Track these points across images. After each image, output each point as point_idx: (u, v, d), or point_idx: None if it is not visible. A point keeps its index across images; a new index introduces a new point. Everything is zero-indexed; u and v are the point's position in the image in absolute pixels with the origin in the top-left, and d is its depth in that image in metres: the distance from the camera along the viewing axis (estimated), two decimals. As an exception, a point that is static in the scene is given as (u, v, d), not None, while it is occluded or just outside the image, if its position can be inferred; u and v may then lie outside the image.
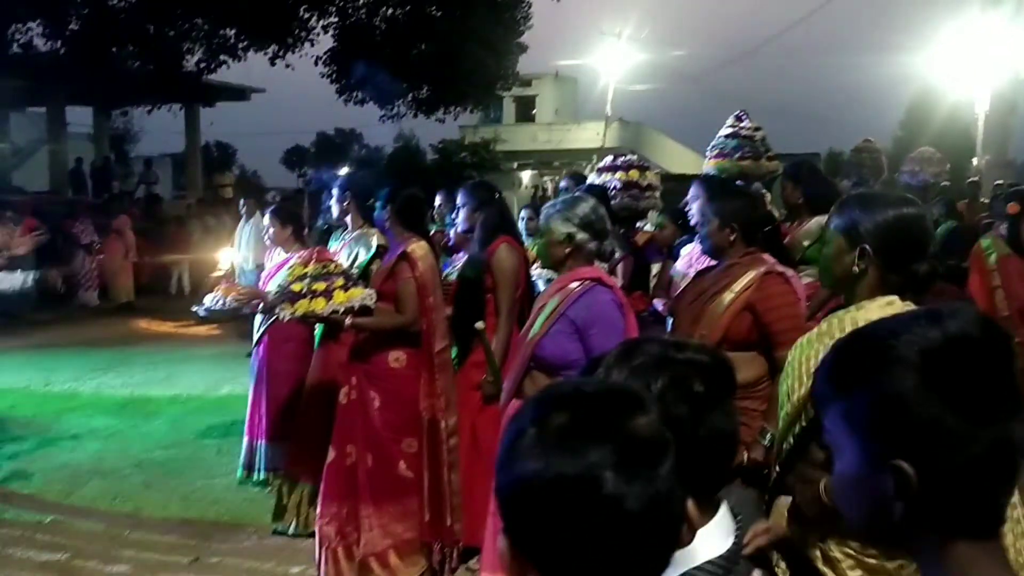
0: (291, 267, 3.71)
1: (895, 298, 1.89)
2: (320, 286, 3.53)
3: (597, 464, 0.84)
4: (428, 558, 3.77)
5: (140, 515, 4.72)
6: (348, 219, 4.54)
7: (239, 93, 22.04)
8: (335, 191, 4.57)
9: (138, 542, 4.36)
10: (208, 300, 4.76)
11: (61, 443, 6.04)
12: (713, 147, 5.33)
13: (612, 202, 4.94)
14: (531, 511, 0.87)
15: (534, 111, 31.74)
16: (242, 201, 10.04)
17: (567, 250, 2.93)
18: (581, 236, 2.92)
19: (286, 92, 25.86)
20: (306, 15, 15.76)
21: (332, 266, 3.70)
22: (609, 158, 5.41)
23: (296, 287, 3.56)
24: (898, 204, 1.94)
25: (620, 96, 28.26)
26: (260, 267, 8.88)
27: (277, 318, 3.67)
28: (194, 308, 4.96)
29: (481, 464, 3.73)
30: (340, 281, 3.59)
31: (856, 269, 1.92)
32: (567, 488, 0.85)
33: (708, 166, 5.32)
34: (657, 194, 5.50)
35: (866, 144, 6.84)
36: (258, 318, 5.06)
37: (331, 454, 3.75)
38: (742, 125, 5.40)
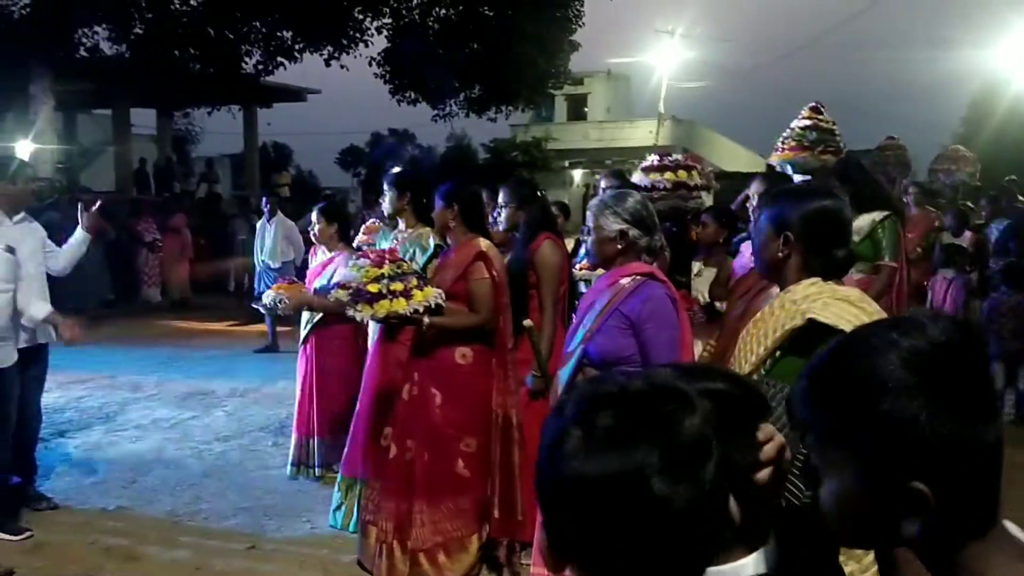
0: (362, 268, 3.67)
1: (818, 280, 2.09)
2: (398, 286, 3.54)
3: (645, 465, 0.83)
4: (487, 554, 3.81)
5: (199, 503, 4.87)
6: (400, 217, 4.63)
7: (295, 94, 22.43)
8: (388, 190, 4.60)
9: (198, 529, 4.52)
10: (267, 298, 4.93)
11: (126, 433, 6.27)
12: (787, 138, 5.21)
13: (661, 203, 4.88)
14: (575, 510, 0.86)
15: (586, 109, 31.62)
16: (264, 199, 10.14)
17: (619, 246, 2.90)
18: (633, 232, 2.90)
19: (340, 93, 26.27)
20: (360, 16, 15.96)
21: (405, 266, 3.72)
22: (654, 158, 5.34)
23: (373, 288, 3.54)
24: (821, 196, 2.16)
25: (673, 93, 28.09)
26: (285, 265, 9.10)
27: (352, 319, 3.68)
28: (254, 305, 5.18)
29: (526, 460, 3.76)
30: (415, 281, 3.62)
31: (781, 254, 2.12)
32: (614, 488, 0.84)
33: (782, 158, 5.19)
34: (705, 194, 5.42)
35: (890, 142, 6.72)
36: (304, 316, 5.19)
37: (392, 450, 3.78)
38: (821, 117, 5.27)
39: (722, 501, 0.92)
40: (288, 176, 22.33)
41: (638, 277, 2.86)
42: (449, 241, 3.97)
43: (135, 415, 6.78)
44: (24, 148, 18.04)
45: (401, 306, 3.50)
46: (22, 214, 4.43)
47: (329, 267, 5.16)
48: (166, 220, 14.13)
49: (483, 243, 3.77)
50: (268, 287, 9.06)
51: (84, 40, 15.43)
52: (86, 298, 10.14)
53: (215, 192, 19.85)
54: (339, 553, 4.15)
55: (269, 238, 9.35)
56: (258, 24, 14.99)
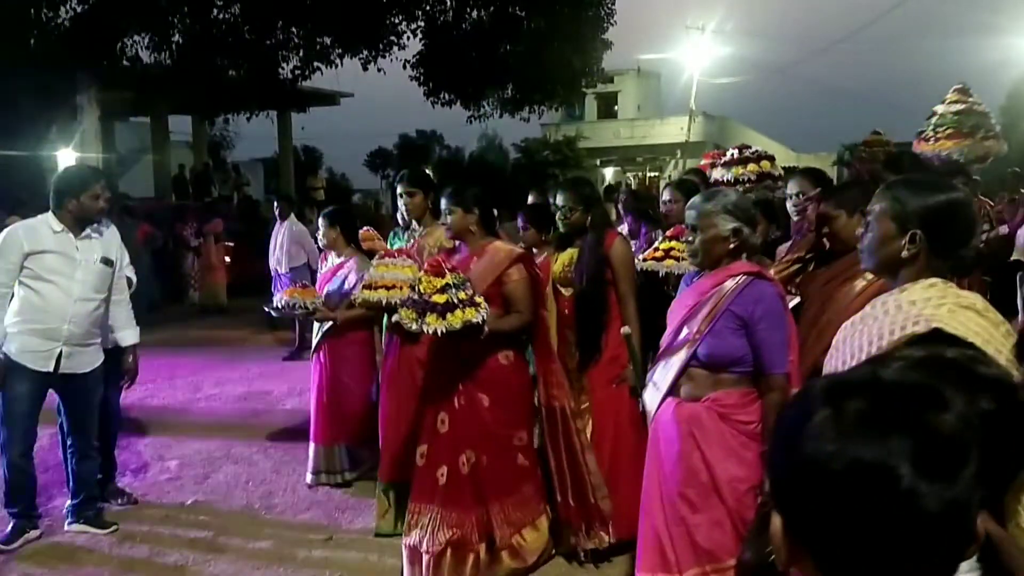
0: (422, 278, 3.58)
1: (938, 280, 1.93)
2: (464, 295, 3.50)
3: (896, 455, 0.79)
4: (565, 538, 3.92)
5: (272, 498, 5.01)
6: (420, 219, 4.67)
7: (329, 98, 22.68)
8: (411, 192, 4.61)
9: (275, 522, 4.65)
10: (278, 300, 5.01)
11: (192, 431, 6.43)
12: (939, 126, 4.95)
13: (748, 194, 4.66)
14: (817, 495, 0.83)
15: (616, 107, 31.62)
16: (275, 204, 10.01)
17: (731, 246, 2.83)
18: (747, 230, 2.83)
19: (371, 96, 26.51)
20: (396, 20, 16.12)
21: (461, 274, 3.65)
22: (733, 151, 5.22)
23: (439, 299, 3.47)
24: (947, 189, 1.96)
25: (704, 90, 27.99)
26: (297, 269, 9.07)
27: (425, 332, 3.51)
28: (266, 308, 5.17)
29: (625, 460, 3.85)
30: (471, 288, 3.58)
31: (906, 254, 1.95)
32: (861, 475, 0.80)
33: (938, 147, 4.92)
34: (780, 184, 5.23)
35: (875, 136, 6.51)
36: (316, 324, 5.21)
37: (441, 471, 3.76)
38: (973, 100, 5.01)
39: (975, 511, 0.83)
40: (322, 180, 22.62)
41: (745, 276, 2.80)
42: (459, 244, 3.99)
43: (198, 414, 6.95)
44: (68, 157, 18.47)
45: (472, 315, 3.46)
46: (89, 230, 4.33)
47: (340, 272, 5.20)
48: (203, 225, 14.38)
49: (514, 247, 3.91)
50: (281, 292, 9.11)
51: (126, 50, 15.75)
52: (138, 303, 10.35)
53: (248, 196, 20.15)
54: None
55: (279, 244, 9.31)
56: (296, 31, 15.19)
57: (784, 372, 2.76)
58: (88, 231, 4.33)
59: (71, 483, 4.56)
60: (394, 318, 3.73)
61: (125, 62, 15.84)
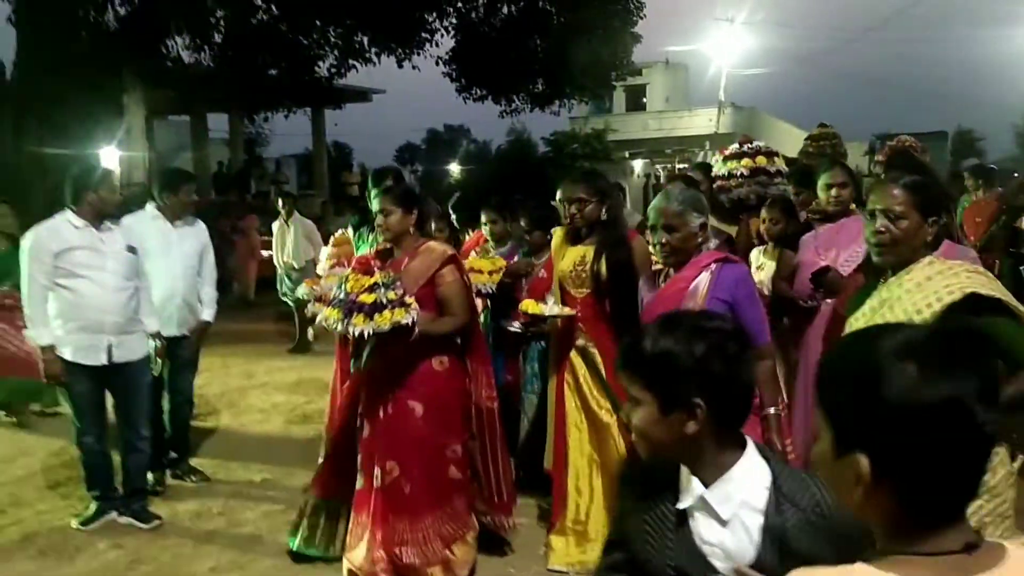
0: (347, 277, 3.45)
1: (932, 257, 2.37)
2: (393, 295, 3.34)
3: (969, 392, 1.00)
4: (480, 532, 3.88)
5: (334, 476, 5.33)
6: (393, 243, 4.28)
7: (362, 95, 23.06)
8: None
9: (338, 497, 4.98)
10: (301, 291, 4.90)
11: (250, 417, 6.80)
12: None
13: (738, 190, 4.91)
14: (910, 432, 1.01)
15: (644, 99, 31.75)
16: (280, 201, 9.89)
17: (699, 239, 3.00)
18: (710, 221, 2.98)
19: (402, 91, 26.87)
20: (428, 17, 16.43)
21: (391, 272, 3.53)
22: (735, 145, 5.21)
23: (367, 298, 3.31)
24: (933, 175, 2.45)
25: (732, 81, 28.09)
26: (308, 264, 8.96)
27: (354, 335, 3.36)
28: (284, 298, 5.31)
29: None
30: (402, 288, 3.44)
31: (930, 238, 2.39)
32: (945, 410, 0.99)
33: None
34: (787, 182, 5.09)
35: (822, 130, 6.38)
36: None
37: (372, 475, 3.67)
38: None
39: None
40: (356, 175, 22.97)
41: (716, 264, 2.96)
42: (394, 246, 3.79)
43: (255, 400, 7.32)
44: (111, 155, 18.98)
45: (402, 316, 3.31)
46: (107, 223, 4.48)
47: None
48: (240, 221, 14.82)
49: (446, 247, 3.81)
50: (290, 287, 9.23)
51: (168, 50, 16.22)
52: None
53: (286, 192, 20.59)
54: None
55: (289, 239, 9.38)
56: (333, 30, 15.56)
57: (768, 341, 3.03)
58: (107, 223, 4.45)
59: (122, 475, 4.66)
60: (318, 319, 3.52)
61: (168, 62, 16.33)
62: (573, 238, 3.94)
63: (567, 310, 3.85)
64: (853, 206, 4.07)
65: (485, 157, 33.79)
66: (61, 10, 13.84)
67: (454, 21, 17.52)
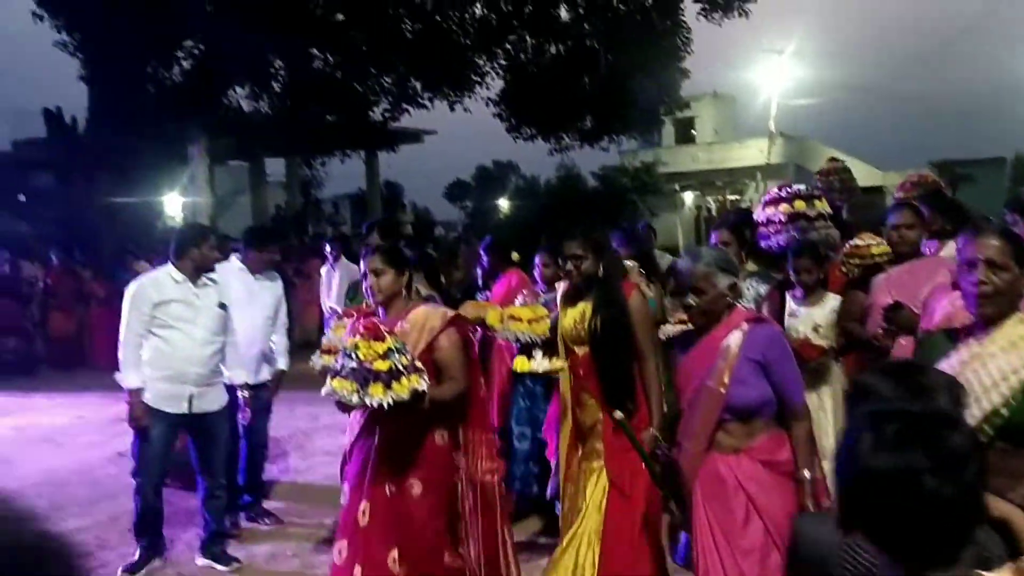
0: (356, 344, 3.11)
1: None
2: (406, 360, 3.11)
3: (919, 462, 1.19)
4: None
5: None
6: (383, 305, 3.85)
7: (414, 136, 23.55)
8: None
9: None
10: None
11: (318, 459, 6.98)
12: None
13: (776, 236, 4.75)
14: (867, 494, 1.23)
15: (693, 131, 31.77)
16: (328, 247, 9.66)
17: (728, 299, 2.91)
18: (738, 281, 2.89)
19: (452, 131, 27.36)
20: (479, 61, 16.81)
21: (399, 336, 3.29)
22: (774, 190, 5.05)
23: (382, 365, 3.05)
24: None
25: (783, 111, 27.93)
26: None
27: (369, 406, 3.09)
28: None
29: (645, 525, 3.60)
30: (410, 352, 3.22)
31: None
32: (896, 478, 1.20)
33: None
34: (830, 225, 4.89)
35: (833, 164, 6.11)
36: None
37: (359, 569, 3.40)
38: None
39: (980, 496, 1.27)
40: (410, 215, 23.38)
41: (748, 324, 2.89)
42: (384, 308, 3.55)
43: (321, 442, 7.49)
44: (174, 202, 19.62)
45: (417, 382, 3.09)
46: (204, 278, 4.68)
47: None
48: (302, 264, 15.13)
49: (445, 309, 3.62)
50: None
51: (229, 100, 16.86)
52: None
53: (343, 234, 21.08)
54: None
55: (335, 283, 9.32)
56: (387, 76, 16.01)
57: (803, 401, 2.92)
58: (204, 279, 4.67)
59: (202, 519, 4.82)
60: (324, 390, 3.19)
61: (228, 111, 16.97)
62: (575, 294, 3.83)
63: (557, 364, 3.78)
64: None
65: (534, 192, 34.00)
66: (130, 67, 14.53)
67: (503, 63, 17.89)
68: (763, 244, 4.83)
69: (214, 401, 4.71)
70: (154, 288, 4.55)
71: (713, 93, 31.30)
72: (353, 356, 3.08)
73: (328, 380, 3.15)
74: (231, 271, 5.19)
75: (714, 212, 27.94)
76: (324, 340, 3.77)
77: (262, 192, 21.40)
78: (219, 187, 25.56)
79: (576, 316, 3.77)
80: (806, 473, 2.79)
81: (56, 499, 5.92)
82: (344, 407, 3.26)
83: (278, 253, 5.40)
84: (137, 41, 13.91)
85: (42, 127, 15.94)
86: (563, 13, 17.97)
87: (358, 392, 3.05)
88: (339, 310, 9.46)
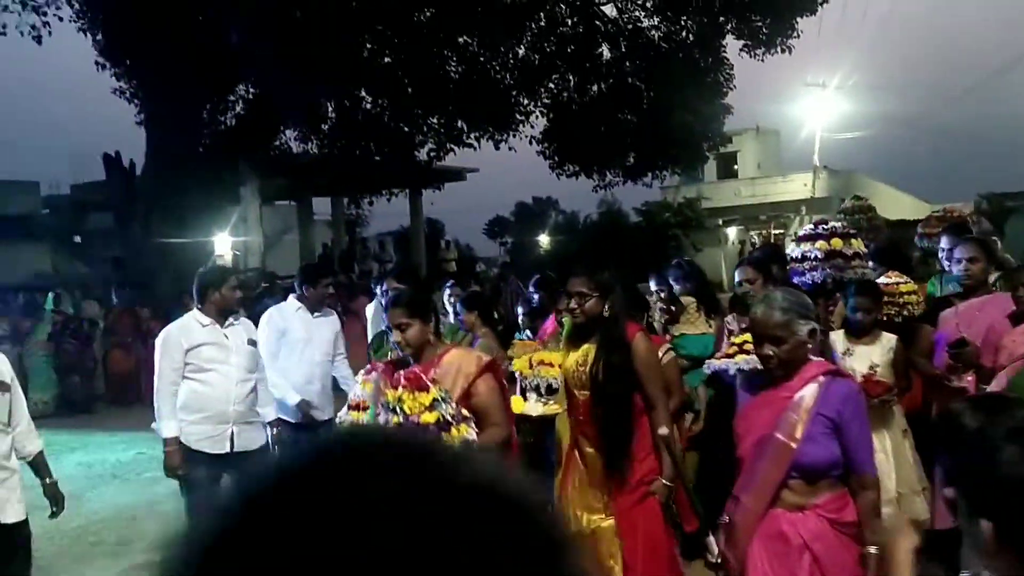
0: (400, 398, 2.99)
1: None
2: (451, 410, 2.97)
3: None
4: None
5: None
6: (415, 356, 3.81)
7: (457, 174, 23.87)
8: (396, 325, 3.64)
9: None
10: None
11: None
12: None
13: (811, 273, 4.72)
14: (1016, 495, 1.28)
15: (736, 166, 31.69)
16: (383, 285, 9.51)
17: (810, 345, 2.72)
18: (818, 327, 2.73)
19: (493, 168, 27.68)
20: (524, 100, 17.06)
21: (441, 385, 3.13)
22: (809, 226, 5.00)
23: (429, 418, 2.92)
24: None
25: (827, 144, 27.81)
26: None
27: None
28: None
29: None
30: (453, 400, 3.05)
31: None
32: None
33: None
34: (868, 263, 4.90)
35: (856, 203, 5.96)
36: None
37: None
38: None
39: None
40: (454, 252, 23.60)
41: (824, 377, 2.71)
42: (409, 353, 3.36)
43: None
44: (224, 241, 20.06)
45: (467, 431, 2.95)
46: (231, 318, 4.70)
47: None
48: (349, 303, 15.33)
49: (480, 354, 3.46)
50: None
51: (280, 141, 17.31)
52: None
53: (387, 272, 21.33)
54: None
55: (383, 323, 9.40)
56: (434, 117, 16.33)
57: (874, 472, 2.74)
58: (231, 319, 4.69)
59: None
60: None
61: (278, 153, 17.42)
62: (579, 334, 3.64)
63: (553, 408, 3.68)
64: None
65: (574, 227, 34.16)
66: (185, 112, 15.02)
67: (546, 101, 18.13)
68: (796, 280, 4.74)
69: (254, 439, 4.72)
70: (183, 334, 4.56)
71: (756, 128, 31.23)
72: (398, 410, 2.94)
73: None
74: (290, 312, 5.31)
75: (758, 246, 27.78)
76: (351, 396, 3.54)
77: (310, 231, 21.79)
78: (267, 226, 26.15)
79: (578, 358, 3.58)
80: (872, 550, 2.51)
81: (124, 534, 6.05)
82: None
83: (331, 287, 5.50)
84: (193, 87, 14.37)
85: (99, 170, 16.48)
86: (605, 51, 18.21)
87: None
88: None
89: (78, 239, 25.85)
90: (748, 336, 3.45)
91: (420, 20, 15.24)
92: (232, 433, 4.58)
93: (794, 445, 2.64)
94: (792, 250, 4.90)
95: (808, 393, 2.66)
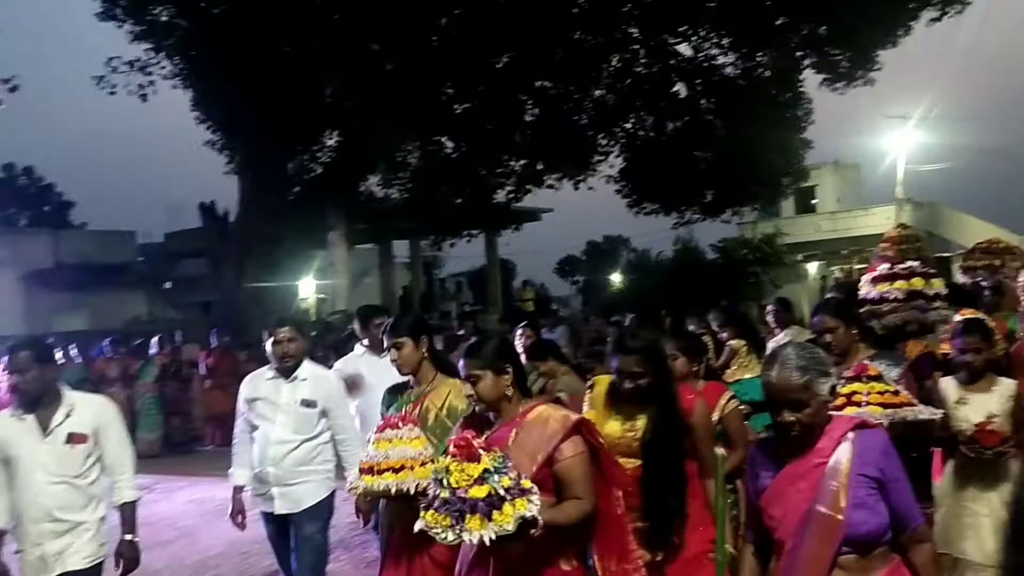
0: (447, 468, 2.58)
1: None
2: (507, 481, 2.54)
3: None
4: None
5: None
6: (412, 375, 3.76)
7: (532, 215, 24.17)
8: (391, 346, 3.72)
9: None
10: None
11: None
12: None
13: (893, 316, 4.39)
14: None
15: (814, 201, 31.20)
16: (470, 326, 9.60)
17: (831, 404, 2.52)
18: (836, 382, 2.53)
19: (566, 208, 27.89)
20: (603, 140, 17.26)
21: (499, 451, 2.68)
22: (885, 265, 4.64)
23: (478, 492, 2.51)
24: None
25: (910, 177, 27.16)
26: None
27: (469, 543, 2.53)
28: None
29: None
30: (514, 469, 2.61)
31: None
32: None
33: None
34: (947, 305, 4.52)
35: (902, 232, 5.56)
36: None
37: None
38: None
39: None
40: (532, 291, 23.78)
41: (853, 432, 2.45)
42: (484, 409, 2.95)
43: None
44: (308, 285, 20.59)
45: (524, 507, 2.51)
46: (295, 371, 4.41)
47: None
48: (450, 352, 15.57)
49: (567, 412, 2.94)
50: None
51: (363, 187, 17.85)
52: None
53: (468, 311, 21.63)
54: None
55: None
56: (512, 159, 16.64)
57: (924, 522, 2.51)
58: (297, 373, 4.39)
59: None
60: (417, 526, 2.61)
61: (363, 198, 17.95)
62: (621, 397, 3.36)
63: None
64: None
65: (645, 265, 34.01)
66: (276, 162, 15.67)
67: (624, 140, 18.29)
68: (873, 323, 4.39)
69: (299, 501, 4.33)
70: (249, 385, 4.48)
71: (834, 162, 30.77)
72: (445, 483, 2.56)
73: (421, 513, 2.58)
74: (358, 360, 5.07)
75: (831, 287, 27.20)
76: (363, 457, 3.19)
77: (390, 273, 22.27)
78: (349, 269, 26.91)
79: (624, 424, 3.33)
80: None
81: (241, 568, 6.24)
82: None
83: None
84: (283, 137, 15.00)
85: (189, 218, 17.28)
86: (681, 90, 18.32)
87: (453, 527, 2.47)
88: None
89: (168, 285, 26.95)
90: (857, 386, 3.30)
91: (498, 66, 15.62)
92: (272, 495, 4.31)
93: (840, 517, 2.34)
94: (867, 291, 4.51)
95: (843, 455, 2.39)
